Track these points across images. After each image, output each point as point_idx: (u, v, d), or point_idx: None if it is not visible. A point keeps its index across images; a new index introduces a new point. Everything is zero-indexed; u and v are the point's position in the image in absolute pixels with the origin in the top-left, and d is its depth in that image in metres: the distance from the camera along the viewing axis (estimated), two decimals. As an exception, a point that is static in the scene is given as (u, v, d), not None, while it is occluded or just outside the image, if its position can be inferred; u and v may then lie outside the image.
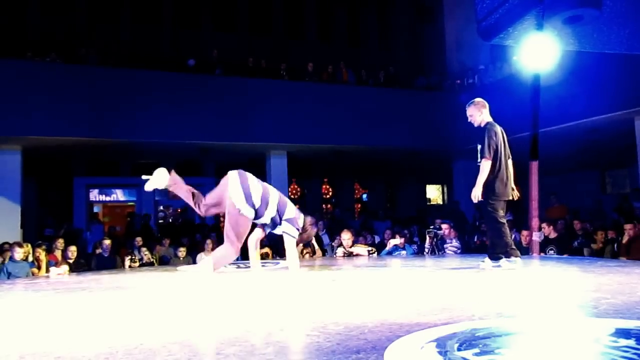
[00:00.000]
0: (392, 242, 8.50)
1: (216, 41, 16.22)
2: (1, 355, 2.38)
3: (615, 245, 8.11)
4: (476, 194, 5.24)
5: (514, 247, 5.45)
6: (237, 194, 5.06)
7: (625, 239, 7.89)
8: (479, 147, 5.35)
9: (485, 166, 5.24)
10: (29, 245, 8.10)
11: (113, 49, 14.00)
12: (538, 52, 7.06)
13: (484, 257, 5.56)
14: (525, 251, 8.10)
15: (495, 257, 5.34)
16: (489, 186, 5.30)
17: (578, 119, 11.36)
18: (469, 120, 5.63)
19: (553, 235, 8.49)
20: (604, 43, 5.63)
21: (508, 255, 5.33)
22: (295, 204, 5.58)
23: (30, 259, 7.90)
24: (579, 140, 12.71)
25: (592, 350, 2.17)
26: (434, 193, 21.50)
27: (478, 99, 5.65)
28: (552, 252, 8.01)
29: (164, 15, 16.84)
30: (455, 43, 16.82)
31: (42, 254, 7.84)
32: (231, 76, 13.36)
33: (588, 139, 12.60)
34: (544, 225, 8.42)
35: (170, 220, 17.15)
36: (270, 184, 5.50)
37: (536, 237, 7.44)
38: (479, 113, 5.54)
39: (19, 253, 7.41)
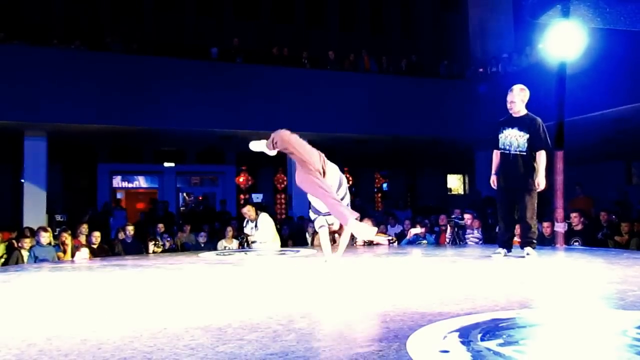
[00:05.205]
0: (412, 232, 8.48)
1: (238, 29, 16.22)
2: (28, 337, 2.44)
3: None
4: (543, 184, 5.29)
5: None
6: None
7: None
8: (527, 135, 5.32)
9: (545, 156, 5.31)
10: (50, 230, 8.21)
11: (137, 37, 14.09)
12: (564, 40, 6.93)
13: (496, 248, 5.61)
14: (547, 242, 8.01)
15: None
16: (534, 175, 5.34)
17: (603, 108, 11.13)
18: (508, 106, 5.47)
19: (579, 227, 8.34)
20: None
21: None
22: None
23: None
24: (604, 130, 12.46)
25: (618, 342, 2.14)
26: (455, 183, 21.32)
27: (524, 87, 5.49)
28: (577, 243, 7.90)
29: (186, 3, 16.89)
30: (479, 31, 16.56)
31: (67, 239, 7.96)
32: (253, 64, 13.36)
33: (613, 129, 12.35)
34: (574, 215, 8.27)
35: (192, 207, 17.30)
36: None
37: (559, 227, 7.33)
38: (522, 103, 5.45)
39: (44, 237, 7.55)
